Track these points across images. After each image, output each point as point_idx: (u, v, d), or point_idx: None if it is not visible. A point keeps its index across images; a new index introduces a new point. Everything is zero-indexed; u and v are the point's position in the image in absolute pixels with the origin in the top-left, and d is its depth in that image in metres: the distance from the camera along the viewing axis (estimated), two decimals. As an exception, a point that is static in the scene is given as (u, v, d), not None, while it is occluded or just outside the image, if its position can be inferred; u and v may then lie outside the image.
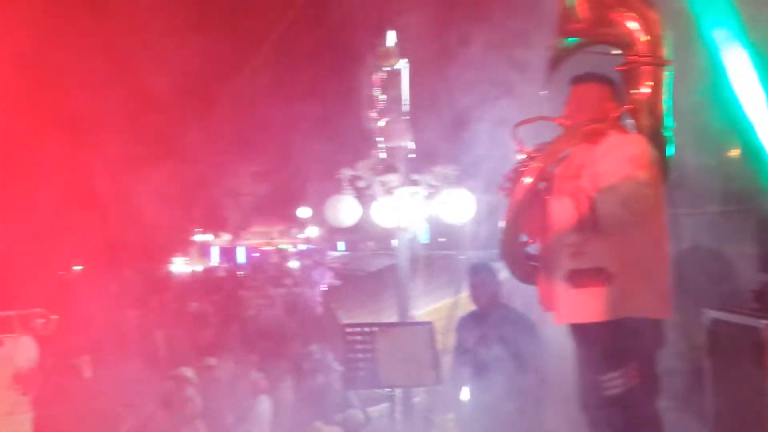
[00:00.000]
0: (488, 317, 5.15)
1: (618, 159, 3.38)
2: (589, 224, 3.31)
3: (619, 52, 3.73)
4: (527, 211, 3.54)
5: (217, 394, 7.25)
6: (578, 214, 3.33)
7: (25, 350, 3.80)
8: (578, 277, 3.41)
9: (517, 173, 3.61)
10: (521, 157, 3.68)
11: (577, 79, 3.75)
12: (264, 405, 7.42)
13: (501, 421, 4.68)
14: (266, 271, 18.84)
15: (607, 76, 3.73)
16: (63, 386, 5.98)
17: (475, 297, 5.35)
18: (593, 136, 3.54)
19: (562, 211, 3.42)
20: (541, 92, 4.00)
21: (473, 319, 5.31)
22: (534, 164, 3.52)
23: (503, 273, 4.86)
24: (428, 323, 5.36)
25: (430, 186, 6.13)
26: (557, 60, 3.92)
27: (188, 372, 7.43)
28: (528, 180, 3.50)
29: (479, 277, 5.32)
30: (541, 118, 3.76)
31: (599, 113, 3.61)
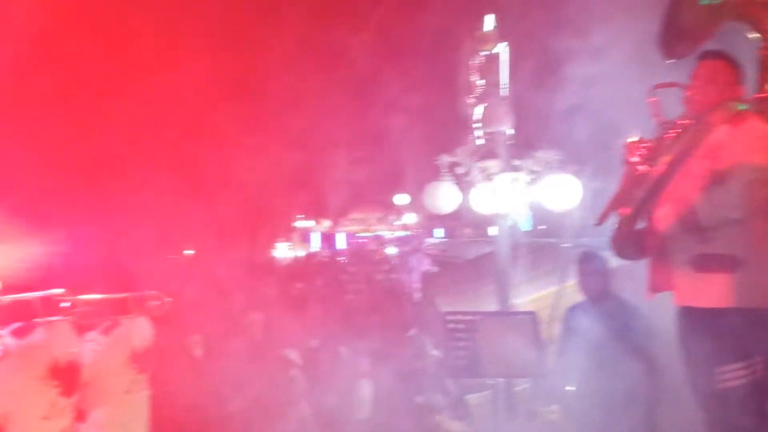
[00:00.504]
0: (599, 307, 4.95)
1: (760, 143, 3.18)
2: (723, 208, 3.15)
3: (757, 36, 3.49)
4: (652, 189, 3.39)
5: (320, 377, 7.42)
6: (712, 197, 3.17)
7: (140, 331, 3.99)
8: (706, 262, 3.25)
9: (653, 145, 3.45)
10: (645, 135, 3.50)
11: (709, 55, 3.51)
12: (365, 388, 7.53)
13: (611, 415, 4.51)
14: (365, 257, 19.11)
15: (736, 57, 3.49)
16: (175, 366, 6.31)
17: (585, 286, 5.15)
18: (735, 118, 3.32)
19: (694, 193, 3.26)
20: (667, 61, 3.74)
21: (582, 310, 5.12)
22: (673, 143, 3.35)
23: (614, 261, 4.66)
24: (532, 313, 5.22)
25: (532, 171, 5.97)
26: (694, 33, 3.66)
27: (292, 354, 7.66)
28: (660, 158, 3.35)
29: (589, 265, 5.11)
30: (677, 85, 3.54)
31: (728, 94, 3.38)
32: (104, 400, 3.76)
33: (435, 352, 7.59)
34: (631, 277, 4.31)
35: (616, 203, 3.55)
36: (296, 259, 21.73)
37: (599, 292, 5.04)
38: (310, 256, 22.15)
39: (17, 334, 3.02)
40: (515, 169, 5.95)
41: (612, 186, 3.64)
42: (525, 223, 6.56)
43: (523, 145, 6.17)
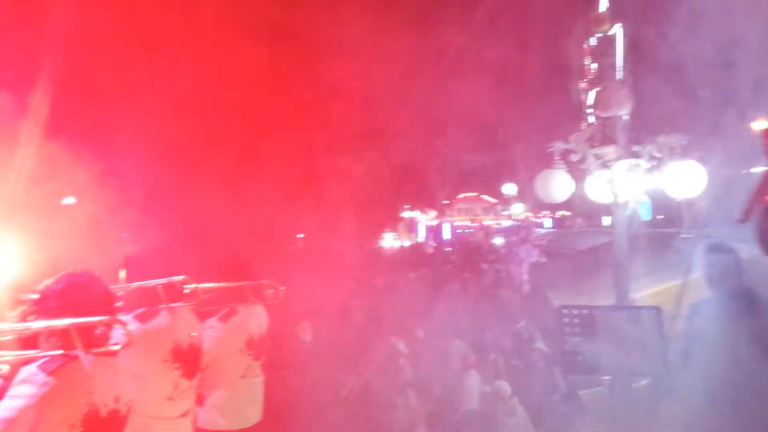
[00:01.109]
0: (730, 303, 4.57)
1: None
2: None
3: None
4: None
5: (427, 366, 7.41)
6: None
7: (257, 318, 4.10)
8: None
9: None
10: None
11: None
12: (473, 379, 7.44)
13: (742, 416, 4.17)
14: (471, 247, 18.91)
15: None
16: (289, 352, 6.48)
17: (713, 280, 4.76)
18: None
19: None
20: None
21: (710, 305, 4.74)
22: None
23: (745, 254, 4.29)
24: (655, 308, 4.89)
25: (652, 157, 5.63)
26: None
27: (399, 343, 7.70)
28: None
29: (718, 258, 4.69)
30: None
31: None
32: (221, 384, 3.91)
33: (543, 346, 7.39)
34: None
35: (763, 194, 3.25)
36: (402, 249, 21.86)
37: (730, 286, 4.64)
38: (415, 247, 22.19)
39: (142, 318, 3.17)
40: (634, 155, 5.63)
41: (743, 174, 3.35)
42: (644, 213, 6.22)
43: (643, 130, 5.83)
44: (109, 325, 2.46)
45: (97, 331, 2.43)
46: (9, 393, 2.27)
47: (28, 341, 2.55)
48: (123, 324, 2.49)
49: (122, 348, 2.48)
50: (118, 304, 3.36)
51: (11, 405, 2.25)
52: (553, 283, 10.85)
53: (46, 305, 2.50)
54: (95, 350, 2.41)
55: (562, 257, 13.87)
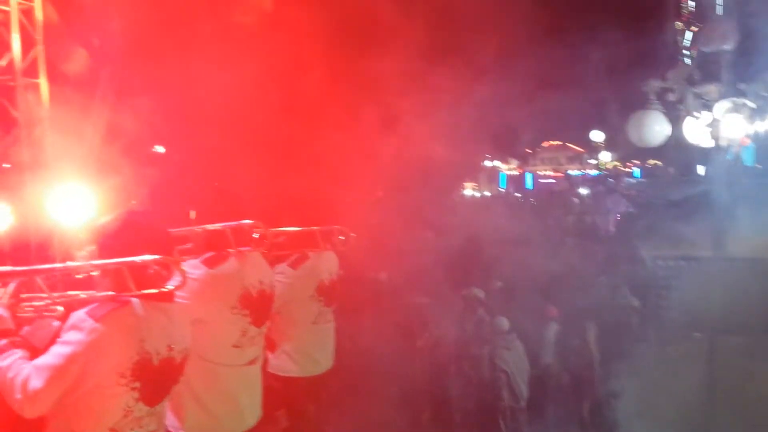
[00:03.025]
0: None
1: None
2: None
3: None
4: None
5: (505, 316, 7.20)
6: None
7: (327, 264, 4.01)
8: None
9: None
10: None
11: None
12: (552, 330, 7.22)
13: None
14: (555, 198, 18.33)
15: None
16: (362, 299, 6.42)
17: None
18: None
19: None
20: None
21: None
22: None
23: None
24: (761, 260, 4.47)
25: (759, 97, 5.10)
26: None
27: (479, 292, 7.50)
28: None
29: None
30: None
31: None
32: (292, 330, 3.85)
33: (633, 300, 7.03)
34: None
35: None
36: (483, 199, 21.46)
37: None
38: (496, 197, 21.75)
39: (209, 263, 3.08)
40: (739, 94, 5.11)
41: None
42: (748, 158, 5.70)
43: (749, 67, 5.29)
44: (164, 266, 2.35)
45: (151, 271, 2.32)
46: (59, 339, 2.21)
47: (86, 281, 2.50)
48: (176, 263, 2.37)
49: (176, 289, 2.37)
50: (187, 246, 3.33)
51: (59, 351, 2.18)
52: (643, 234, 10.29)
53: (103, 243, 2.42)
54: (148, 291, 2.32)
55: (654, 208, 13.15)
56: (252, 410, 3.27)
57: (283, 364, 3.86)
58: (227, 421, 3.14)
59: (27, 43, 6.39)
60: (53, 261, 6.41)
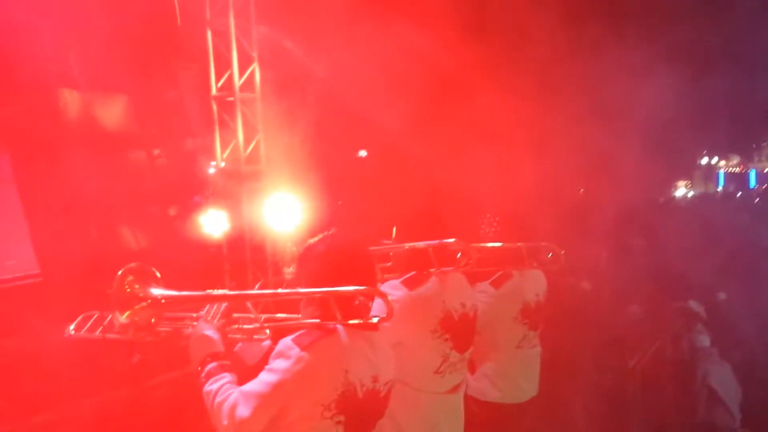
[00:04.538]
0: None
1: None
2: None
3: None
4: None
5: (728, 333, 6.39)
6: None
7: (533, 284, 3.73)
8: None
9: None
10: None
11: None
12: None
13: None
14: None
15: None
16: (561, 311, 5.99)
17: None
18: None
19: None
20: None
21: None
22: None
23: None
24: None
25: None
26: None
27: (697, 306, 6.75)
28: None
29: None
30: None
31: None
32: (494, 353, 3.63)
33: None
34: None
35: None
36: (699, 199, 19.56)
37: None
38: (713, 196, 19.70)
39: (410, 284, 2.96)
40: None
41: None
42: None
43: None
44: (368, 296, 2.25)
45: (356, 302, 2.24)
46: (267, 366, 2.19)
47: (290, 303, 2.48)
48: (383, 296, 2.26)
49: (381, 321, 2.26)
50: (387, 264, 3.25)
51: (266, 380, 2.16)
52: None
53: (306, 267, 2.39)
54: (354, 322, 2.23)
55: None
56: (454, 440, 3.13)
57: (484, 388, 3.65)
58: (428, 452, 3.02)
59: (243, 61, 6.85)
60: (266, 267, 6.86)
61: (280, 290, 2.51)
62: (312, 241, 2.45)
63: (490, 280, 3.62)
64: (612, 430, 5.25)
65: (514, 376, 3.66)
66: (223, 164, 6.96)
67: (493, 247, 3.59)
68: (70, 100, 7.09)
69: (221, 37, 6.76)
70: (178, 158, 7.49)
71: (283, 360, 2.16)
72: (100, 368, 4.71)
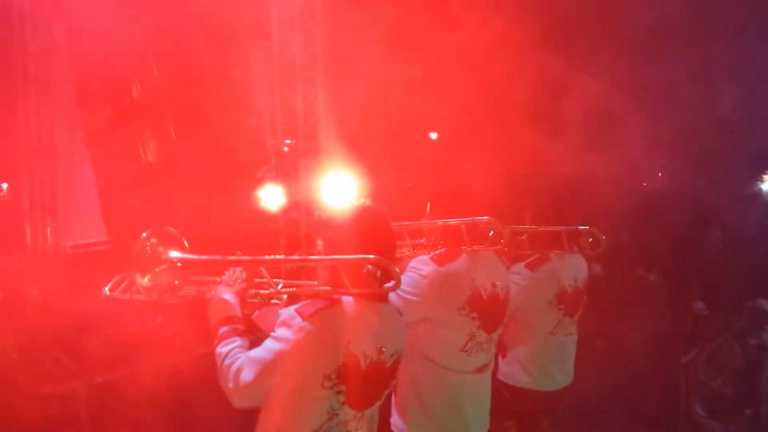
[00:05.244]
0: None
1: None
2: None
3: None
4: None
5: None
6: None
7: (572, 269, 3.59)
8: None
9: None
10: None
11: None
12: None
13: None
14: None
15: None
16: (622, 301, 5.76)
17: None
18: None
19: None
20: None
21: None
22: None
23: None
24: None
25: None
26: None
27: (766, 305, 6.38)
28: None
29: None
30: None
31: None
32: (526, 337, 3.54)
33: None
34: None
35: None
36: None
37: None
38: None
39: (440, 260, 2.92)
40: None
41: None
42: None
43: None
44: (379, 267, 2.21)
45: (364, 270, 2.19)
46: (272, 333, 2.20)
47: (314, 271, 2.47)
48: (391, 266, 2.21)
49: (390, 290, 2.21)
50: (421, 240, 3.21)
51: (270, 347, 2.17)
52: None
53: (324, 234, 2.39)
54: (359, 291, 2.20)
55: None
56: (478, 422, 3.08)
57: (515, 373, 3.58)
58: (451, 430, 2.98)
59: (306, 39, 6.91)
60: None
61: (292, 257, 2.52)
62: (336, 210, 2.45)
63: (525, 262, 3.53)
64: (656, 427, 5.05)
65: (545, 363, 3.57)
66: (285, 141, 7.08)
67: (531, 228, 3.49)
68: (144, 75, 7.30)
69: (286, 13, 6.84)
70: (242, 133, 7.63)
71: (286, 329, 2.17)
72: (161, 332, 4.88)
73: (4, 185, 6.64)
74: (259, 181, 7.28)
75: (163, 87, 7.39)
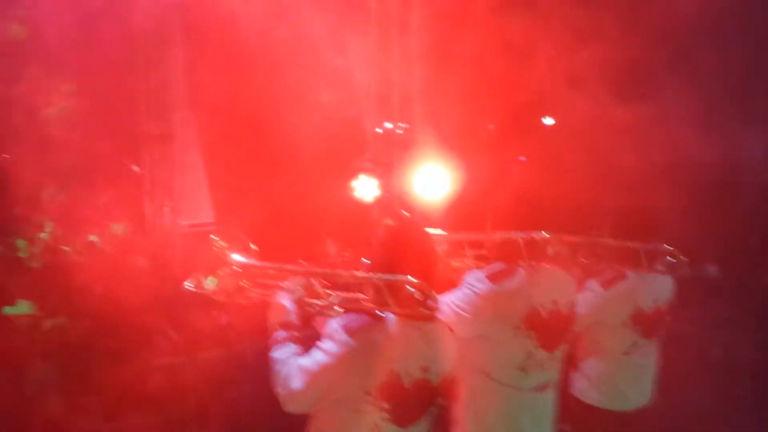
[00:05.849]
0: None
1: None
2: None
3: None
4: None
5: None
6: None
7: (651, 289, 3.39)
8: None
9: None
10: None
11: None
12: None
13: None
14: None
15: None
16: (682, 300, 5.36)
17: None
18: None
19: None
20: None
21: None
22: None
23: None
24: None
25: None
26: None
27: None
28: None
29: None
30: None
31: None
32: (598, 356, 3.43)
33: None
34: None
35: None
36: None
37: None
38: None
39: (494, 278, 2.85)
40: None
41: None
42: None
43: None
44: (419, 290, 2.23)
45: (406, 289, 2.20)
46: (320, 344, 2.28)
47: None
48: (429, 290, 2.23)
49: (434, 311, 2.24)
50: (481, 252, 3.17)
51: (317, 358, 2.25)
52: None
53: (371, 252, 2.43)
54: (400, 311, 2.23)
55: None
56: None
57: (585, 389, 3.48)
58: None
59: (404, 27, 6.89)
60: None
61: (339, 271, 2.58)
62: (381, 225, 2.49)
63: (600, 279, 3.40)
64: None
65: (619, 383, 3.43)
66: (378, 131, 7.12)
67: (604, 244, 3.35)
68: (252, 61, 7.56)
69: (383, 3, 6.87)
70: (343, 123, 7.74)
71: (331, 342, 2.25)
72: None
73: (136, 168, 7.16)
74: (359, 171, 7.38)
75: (268, 72, 7.59)
